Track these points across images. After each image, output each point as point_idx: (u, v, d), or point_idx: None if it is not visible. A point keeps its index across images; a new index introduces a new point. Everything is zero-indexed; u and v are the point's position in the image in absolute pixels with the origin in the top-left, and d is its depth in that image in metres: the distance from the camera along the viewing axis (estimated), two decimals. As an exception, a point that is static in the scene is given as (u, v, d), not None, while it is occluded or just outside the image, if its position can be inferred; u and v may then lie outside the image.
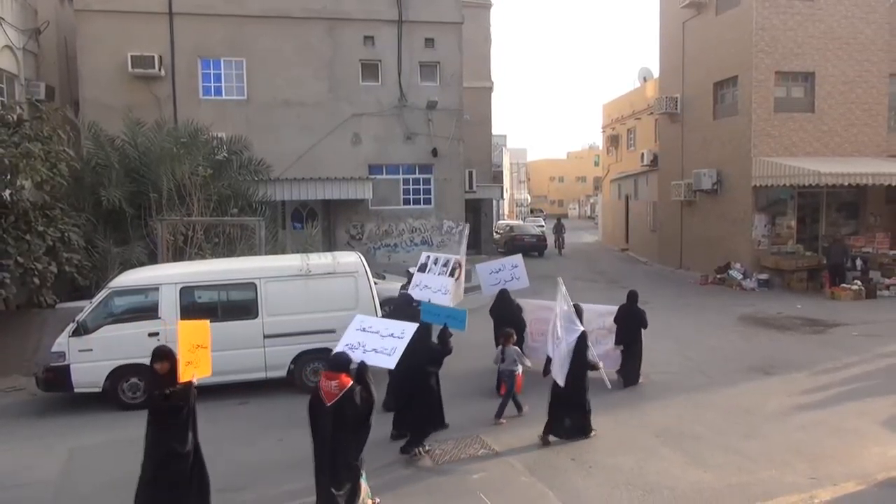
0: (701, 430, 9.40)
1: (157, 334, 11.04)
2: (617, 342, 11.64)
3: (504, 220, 47.75)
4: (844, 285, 19.50)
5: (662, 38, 28.24)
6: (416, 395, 8.90)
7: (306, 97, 22.34)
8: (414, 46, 23.00)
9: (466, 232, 13.82)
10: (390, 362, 7.49)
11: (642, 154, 31.08)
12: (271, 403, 11.15)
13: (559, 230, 35.95)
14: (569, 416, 9.14)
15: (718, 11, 23.40)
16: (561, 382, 8.92)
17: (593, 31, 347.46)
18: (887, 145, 21.69)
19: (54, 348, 10.98)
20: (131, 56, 20.43)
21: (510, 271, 12.79)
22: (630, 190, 34.94)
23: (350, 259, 12.27)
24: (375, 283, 12.35)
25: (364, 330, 7.92)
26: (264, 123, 21.60)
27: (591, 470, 8.22)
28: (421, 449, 8.77)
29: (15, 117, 13.46)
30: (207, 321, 7.06)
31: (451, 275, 11.25)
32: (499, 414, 10.02)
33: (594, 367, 10.20)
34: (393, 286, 15.32)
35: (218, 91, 21.91)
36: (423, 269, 11.65)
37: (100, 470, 8.61)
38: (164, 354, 6.66)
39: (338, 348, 7.58)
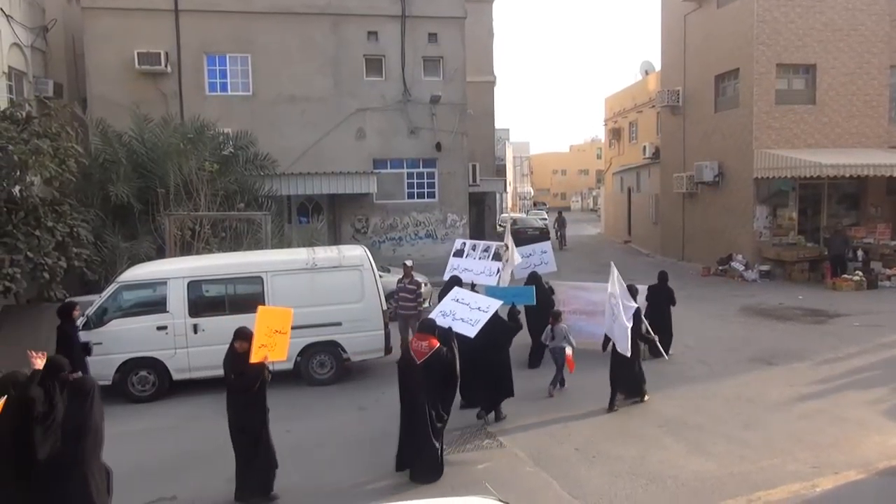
0: (703, 420, 9.52)
1: (165, 328, 11.25)
2: (645, 316, 11.95)
3: (507, 213, 47.75)
4: (846, 276, 19.59)
5: (664, 31, 28.25)
6: (491, 367, 9.54)
7: (311, 92, 22.44)
8: (417, 41, 23.07)
9: (509, 221, 14.34)
10: (472, 331, 8.43)
11: (644, 147, 31.14)
12: (278, 395, 11.24)
13: (560, 225, 35.28)
14: (626, 381, 10.13)
15: (719, 4, 23.42)
16: (627, 352, 9.61)
17: (595, 25, 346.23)
18: (888, 136, 21.71)
19: (65, 342, 11.10)
20: (138, 53, 20.53)
21: (540, 256, 13.92)
22: (632, 182, 34.96)
23: (355, 252, 12.41)
24: (380, 277, 12.50)
25: (458, 301, 8.95)
26: (270, 119, 21.72)
27: (594, 460, 8.34)
28: (493, 414, 9.67)
29: (24, 114, 13.52)
30: (292, 309, 7.56)
31: (496, 259, 12.19)
32: (553, 384, 10.94)
33: (648, 340, 10.96)
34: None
35: (224, 87, 22.04)
36: (459, 254, 12.67)
37: (109, 462, 8.70)
38: (246, 335, 7.15)
39: (433, 313, 8.55)
